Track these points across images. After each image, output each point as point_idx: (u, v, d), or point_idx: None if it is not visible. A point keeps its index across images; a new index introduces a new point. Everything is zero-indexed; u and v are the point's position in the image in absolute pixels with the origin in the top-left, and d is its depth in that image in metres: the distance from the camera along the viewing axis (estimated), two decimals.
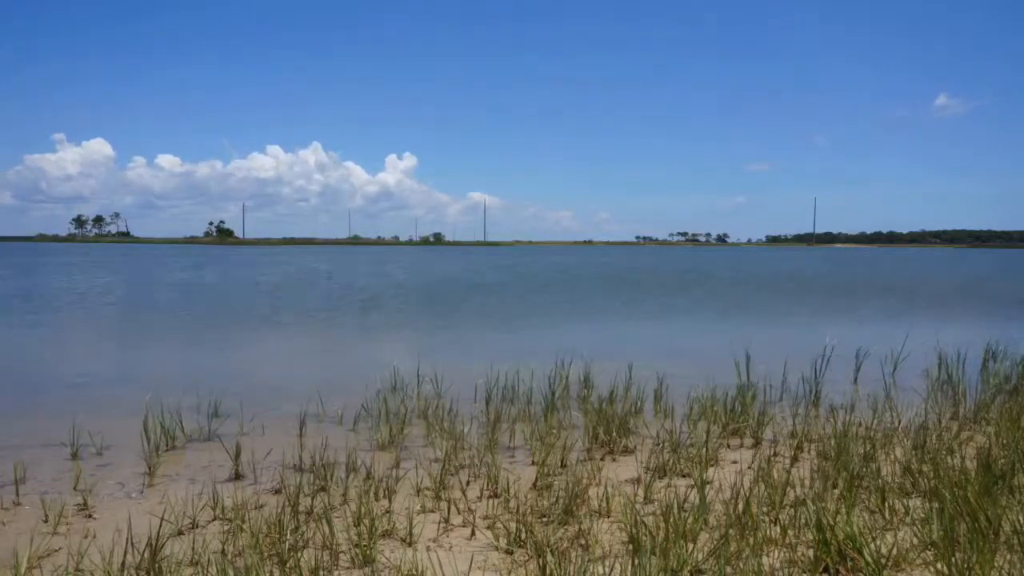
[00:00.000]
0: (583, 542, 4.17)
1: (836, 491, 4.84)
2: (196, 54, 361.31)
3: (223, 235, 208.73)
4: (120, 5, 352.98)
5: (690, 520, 4.22)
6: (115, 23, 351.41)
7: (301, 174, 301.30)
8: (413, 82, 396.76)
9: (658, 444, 6.16)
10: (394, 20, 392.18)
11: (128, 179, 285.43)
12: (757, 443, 6.48)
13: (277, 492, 5.22)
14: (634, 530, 4.04)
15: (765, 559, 3.83)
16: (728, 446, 6.41)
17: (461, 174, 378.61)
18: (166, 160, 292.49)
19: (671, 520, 4.13)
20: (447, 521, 4.56)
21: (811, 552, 3.85)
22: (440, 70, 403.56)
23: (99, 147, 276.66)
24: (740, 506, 4.39)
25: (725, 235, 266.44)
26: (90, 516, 4.79)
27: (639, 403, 7.70)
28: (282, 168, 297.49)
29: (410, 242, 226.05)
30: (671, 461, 5.65)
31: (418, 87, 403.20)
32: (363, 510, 4.50)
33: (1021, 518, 4.03)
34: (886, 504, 4.55)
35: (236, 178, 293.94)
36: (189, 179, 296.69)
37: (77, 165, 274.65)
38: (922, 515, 4.38)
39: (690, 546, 3.97)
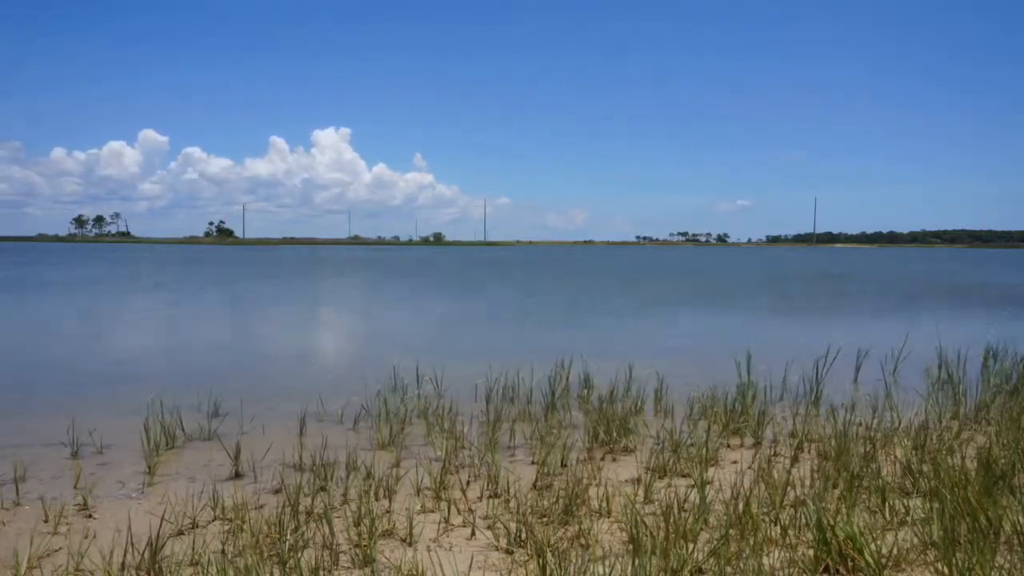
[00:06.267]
0: (583, 542, 4.17)
1: (836, 491, 4.83)
2: (196, 54, 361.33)
3: (223, 235, 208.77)
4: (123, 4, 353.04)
5: (690, 520, 4.22)
6: (118, 20, 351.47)
7: (299, 174, 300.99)
8: (415, 80, 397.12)
9: (658, 444, 6.16)
10: (400, 20, 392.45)
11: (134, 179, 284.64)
12: (757, 443, 6.48)
13: (277, 492, 5.22)
14: (634, 530, 4.04)
15: (765, 559, 3.83)
16: (728, 446, 6.41)
17: (460, 173, 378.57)
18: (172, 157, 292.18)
19: (671, 520, 4.13)
20: (447, 521, 4.56)
21: (811, 552, 3.85)
22: (438, 70, 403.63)
23: (153, 142, 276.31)
24: (740, 506, 4.39)
25: (725, 235, 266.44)
26: (90, 516, 4.79)
27: (639, 403, 7.70)
28: (280, 167, 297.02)
29: (411, 242, 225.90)
30: (671, 461, 5.64)
31: (419, 85, 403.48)
32: (363, 510, 4.50)
33: (1021, 518, 4.03)
34: (886, 504, 4.55)
35: (236, 178, 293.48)
36: (191, 178, 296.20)
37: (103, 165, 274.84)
38: (922, 515, 4.38)
39: (690, 546, 3.96)
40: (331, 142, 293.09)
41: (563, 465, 5.73)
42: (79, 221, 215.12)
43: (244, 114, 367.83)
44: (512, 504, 4.78)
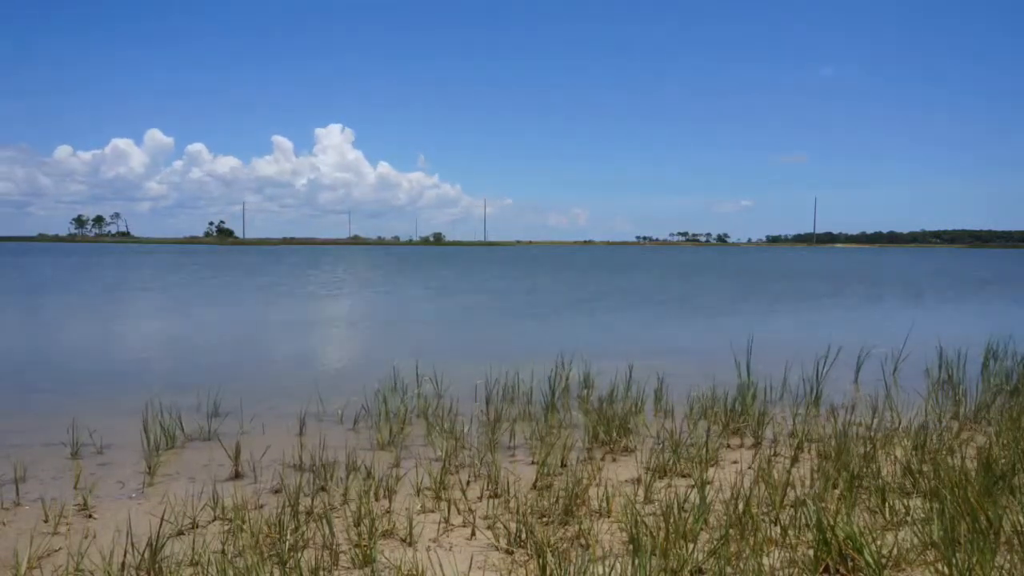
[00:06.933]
0: (583, 542, 4.17)
1: (836, 491, 4.83)
2: (199, 55, 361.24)
3: (223, 235, 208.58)
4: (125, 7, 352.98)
5: (690, 520, 4.22)
6: (119, 22, 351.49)
7: (302, 173, 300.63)
8: (419, 81, 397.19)
9: (658, 444, 6.16)
10: (404, 21, 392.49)
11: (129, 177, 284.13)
12: (757, 443, 6.48)
13: (277, 492, 5.22)
14: (634, 530, 4.04)
15: (765, 559, 3.83)
16: (728, 446, 6.41)
17: (464, 173, 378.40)
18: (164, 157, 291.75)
19: (671, 520, 4.13)
20: (447, 521, 4.56)
21: (811, 552, 3.85)
22: (442, 72, 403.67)
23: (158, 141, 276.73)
24: (740, 506, 4.39)
25: (725, 235, 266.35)
26: (90, 516, 4.79)
27: (639, 403, 7.70)
28: (283, 167, 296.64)
29: (410, 242, 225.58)
30: (671, 461, 5.64)
31: (422, 86, 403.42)
32: (363, 510, 4.50)
33: (1022, 518, 4.03)
34: (886, 504, 4.55)
35: (239, 178, 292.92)
36: (194, 178, 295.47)
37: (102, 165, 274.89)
38: (922, 515, 4.38)
39: (690, 546, 3.96)
40: (335, 141, 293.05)
41: (563, 465, 5.73)
42: (79, 221, 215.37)
43: (247, 114, 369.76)
44: (512, 504, 4.78)
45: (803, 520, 4.21)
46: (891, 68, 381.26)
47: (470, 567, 3.92)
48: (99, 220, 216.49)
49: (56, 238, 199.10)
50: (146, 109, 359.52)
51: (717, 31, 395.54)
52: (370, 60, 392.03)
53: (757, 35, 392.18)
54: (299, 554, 3.93)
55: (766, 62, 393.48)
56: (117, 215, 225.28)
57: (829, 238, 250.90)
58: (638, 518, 4.14)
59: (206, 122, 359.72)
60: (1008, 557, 3.72)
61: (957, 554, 3.59)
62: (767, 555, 3.89)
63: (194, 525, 4.53)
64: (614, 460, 6.04)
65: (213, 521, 4.63)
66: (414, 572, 3.80)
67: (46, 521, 4.66)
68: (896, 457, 5.59)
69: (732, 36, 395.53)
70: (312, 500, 4.90)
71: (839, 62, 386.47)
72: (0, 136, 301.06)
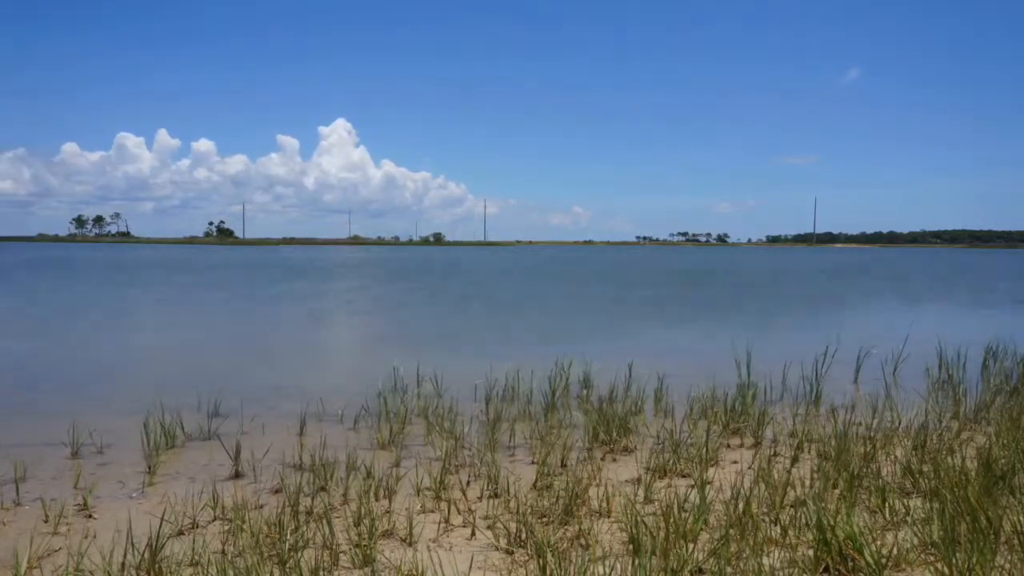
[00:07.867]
0: (583, 542, 4.17)
1: (836, 491, 4.83)
2: (201, 56, 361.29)
3: (223, 235, 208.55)
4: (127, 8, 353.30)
5: (690, 520, 4.21)
6: (120, 23, 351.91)
7: (306, 173, 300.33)
8: (423, 81, 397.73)
9: (658, 444, 6.16)
10: (400, 21, 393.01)
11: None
12: (757, 443, 6.48)
13: (277, 492, 5.22)
14: (634, 530, 4.04)
15: (765, 559, 3.83)
16: (728, 446, 6.41)
17: (468, 173, 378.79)
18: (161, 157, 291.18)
19: (671, 520, 4.12)
20: (447, 521, 4.56)
21: (811, 552, 3.85)
22: (446, 72, 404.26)
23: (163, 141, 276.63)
24: (740, 506, 4.39)
25: (725, 235, 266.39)
26: (90, 516, 4.79)
27: (639, 403, 7.70)
28: (287, 166, 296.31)
29: (410, 242, 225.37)
30: (671, 461, 5.64)
31: (426, 86, 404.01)
32: (363, 510, 4.50)
33: (1022, 518, 4.03)
34: (886, 504, 4.55)
35: (243, 177, 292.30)
36: (198, 177, 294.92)
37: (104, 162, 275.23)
38: (922, 515, 4.38)
39: (690, 546, 3.96)
40: (340, 139, 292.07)
41: (563, 465, 5.73)
42: (79, 221, 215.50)
43: (252, 114, 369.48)
44: (512, 504, 4.77)
45: (803, 520, 4.21)
46: (891, 69, 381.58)
47: (470, 567, 3.92)
48: (99, 220, 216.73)
49: (56, 238, 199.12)
50: (149, 109, 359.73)
51: (716, 32, 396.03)
52: (373, 61, 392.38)
53: (757, 36, 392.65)
54: (299, 554, 3.93)
55: (766, 63, 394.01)
56: (117, 215, 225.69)
57: (829, 238, 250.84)
58: (638, 518, 4.14)
59: (210, 122, 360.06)
60: (1008, 557, 3.72)
61: (957, 554, 3.59)
62: (767, 555, 3.89)
63: (194, 525, 4.53)
64: (614, 460, 6.04)
65: (213, 521, 4.63)
66: (414, 572, 3.80)
67: (46, 521, 4.66)
68: (896, 457, 5.59)
69: (731, 37, 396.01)
70: (312, 500, 4.90)
71: (840, 64, 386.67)
72: (4, 136, 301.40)
